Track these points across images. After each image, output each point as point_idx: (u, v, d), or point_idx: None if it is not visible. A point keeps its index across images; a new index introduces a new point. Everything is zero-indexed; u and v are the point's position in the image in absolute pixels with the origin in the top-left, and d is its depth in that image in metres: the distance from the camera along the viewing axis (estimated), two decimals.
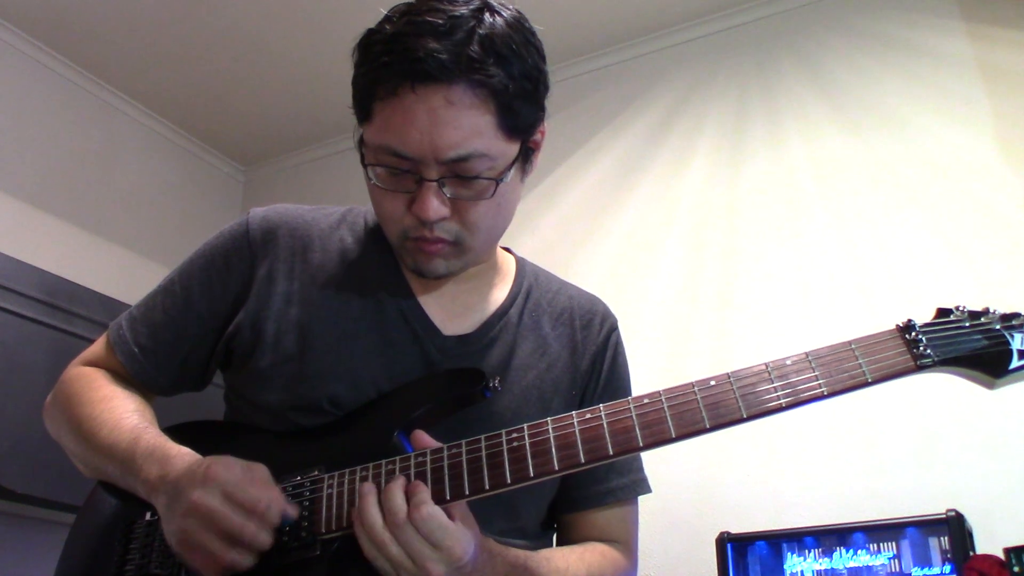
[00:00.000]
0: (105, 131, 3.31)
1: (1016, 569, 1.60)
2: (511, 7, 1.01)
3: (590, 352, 1.18)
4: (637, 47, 3.10)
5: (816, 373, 0.89)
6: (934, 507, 1.91)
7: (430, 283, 1.12)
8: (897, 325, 0.91)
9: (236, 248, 1.12)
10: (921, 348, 0.88)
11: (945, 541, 1.84)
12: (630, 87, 3.07)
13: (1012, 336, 0.89)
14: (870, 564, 1.91)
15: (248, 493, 0.91)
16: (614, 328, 1.23)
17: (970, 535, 1.87)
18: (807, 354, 0.91)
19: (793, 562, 1.99)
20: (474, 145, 0.96)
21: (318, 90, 3.34)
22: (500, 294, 1.16)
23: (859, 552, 1.94)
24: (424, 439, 0.96)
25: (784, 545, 2.02)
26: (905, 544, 1.90)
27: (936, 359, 0.88)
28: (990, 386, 0.90)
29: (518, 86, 0.97)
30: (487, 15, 0.97)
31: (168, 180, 3.53)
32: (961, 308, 0.92)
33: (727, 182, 2.78)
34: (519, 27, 1.00)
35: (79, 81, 3.21)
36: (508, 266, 1.21)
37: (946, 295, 2.29)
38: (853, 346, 0.90)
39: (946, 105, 2.54)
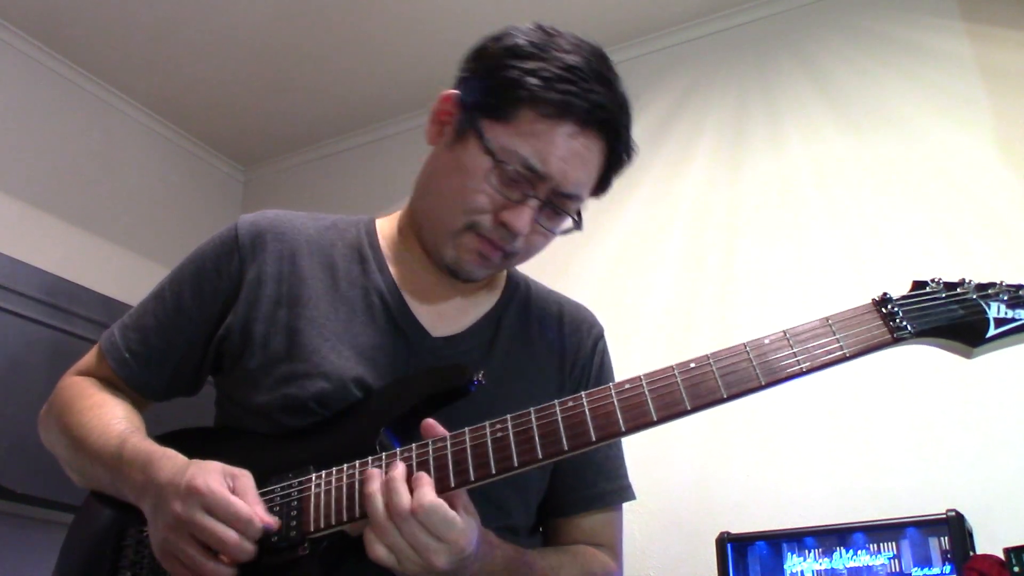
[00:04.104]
0: (105, 131, 3.30)
1: (1016, 569, 1.60)
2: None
3: (580, 359, 1.20)
4: (637, 47, 3.10)
5: (794, 350, 0.90)
6: (934, 507, 1.91)
7: (420, 285, 1.14)
8: (873, 299, 0.92)
9: (226, 253, 1.14)
10: (897, 320, 0.89)
11: (945, 541, 1.84)
12: (630, 87, 3.06)
13: (988, 305, 0.89)
14: (870, 564, 1.91)
15: (229, 507, 0.91)
16: (601, 336, 1.26)
17: (970, 535, 1.87)
18: (784, 332, 0.92)
19: (793, 562, 1.99)
20: (584, 190, 1.08)
21: (318, 90, 3.34)
22: (490, 298, 1.19)
23: (859, 552, 1.94)
24: (436, 428, 0.96)
25: (784, 545, 2.02)
26: (905, 544, 1.90)
27: (912, 331, 0.89)
28: (968, 355, 0.90)
29: (622, 162, 1.12)
30: (621, 80, 1.12)
31: (168, 180, 3.53)
32: (937, 280, 0.92)
33: (727, 182, 2.78)
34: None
35: (79, 81, 3.21)
36: (499, 272, 1.23)
37: None
38: (830, 322, 0.91)
39: (946, 105, 2.54)
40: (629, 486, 1.21)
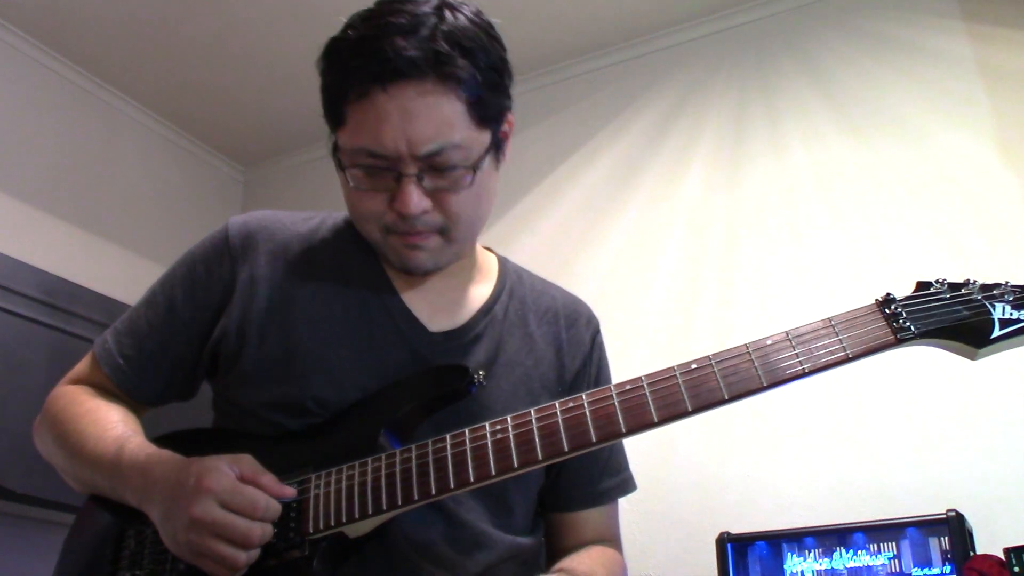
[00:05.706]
0: (105, 131, 3.30)
1: (1016, 569, 1.60)
2: (468, 3, 1.04)
3: (580, 352, 1.18)
4: (637, 47, 3.10)
5: (796, 351, 0.89)
6: (934, 507, 1.91)
7: (414, 280, 1.12)
8: (876, 300, 0.91)
9: (217, 255, 1.12)
10: (901, 321, 0.88)
11: (945, 541, 1.84)
12: (630, 87, 3.07)
13: (993, 306, 0.87)
14: (870, 564, 1.91)
15: (245, 497, 0.92)
16: (598, 329, 1.24)
17: (970, 535, 1.87)
18: (787, 333, 0.91)
19: (793, 562, 1.99)
20: (447, 137, 0.98)
21: (318, 90, 3.34)
22: (484, 290, 1.17)
23: (859, 552, 1.93)
24: None
25: (784, 545, 2.02)
26: (905, 544, 1.89)
27: (916, 332, 0.87)
28: (972, 356, 0.88)
29: (485, 77, 1.00)
30: (448, 12, 1.00)
31: (168, 180, 3.53)
32: (941, 280, 0.91)
33: (727, 181, 2.77)
34: (479, 21, 1.02)
35: (79, 81, 3.21)
36: (490, 264, 1.22)
37: None
38: (833, 322, 0.90)
39: (946, 105, 2.54)
40: (631, 476, 1.21)
